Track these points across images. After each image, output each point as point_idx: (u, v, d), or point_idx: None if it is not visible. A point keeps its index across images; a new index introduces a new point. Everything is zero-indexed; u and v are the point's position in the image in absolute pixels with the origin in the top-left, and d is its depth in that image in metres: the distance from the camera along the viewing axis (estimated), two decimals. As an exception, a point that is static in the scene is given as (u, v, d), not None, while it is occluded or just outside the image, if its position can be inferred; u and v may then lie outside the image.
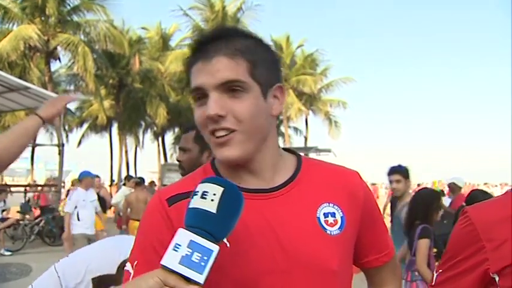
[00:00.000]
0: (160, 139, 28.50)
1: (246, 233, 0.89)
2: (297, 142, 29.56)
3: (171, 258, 0.71)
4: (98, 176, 11.61)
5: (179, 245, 0.72)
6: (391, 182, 4.25)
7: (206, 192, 0.76)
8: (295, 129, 31.82)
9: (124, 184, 10.78)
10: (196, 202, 0.76)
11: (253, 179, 0.96)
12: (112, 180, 24.81)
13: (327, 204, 0.96)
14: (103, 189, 10.84)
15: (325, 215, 0.95)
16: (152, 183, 13.49)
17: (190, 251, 0.71)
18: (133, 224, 7.26)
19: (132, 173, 24.51)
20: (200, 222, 0.74)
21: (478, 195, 3.96)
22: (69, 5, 18.33)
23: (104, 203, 9.75)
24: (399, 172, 4.18)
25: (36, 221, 11.18)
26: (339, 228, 0.95)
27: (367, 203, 1.02)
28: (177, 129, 28.90)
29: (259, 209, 0.92)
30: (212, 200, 0.75)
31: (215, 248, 0.73)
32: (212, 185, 0.77)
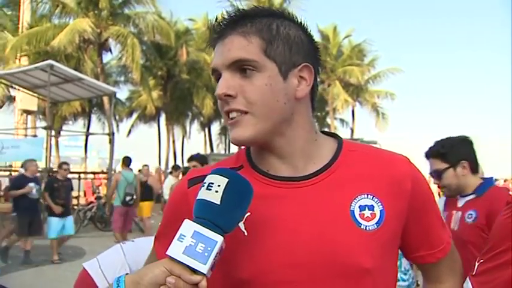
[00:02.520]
0: (206, 129, 28.99)
1: (267, 223, 0.85)
2: (343, 134, 29.07)
3: (175, 248, 0.73)
4: (146, 165, 12.01)
5: (184, 236, 0.74)
6: None
7: (212, 183, 0.77)
8: (342, 120, 31.35)
9: (170, 173, 11.06)
10: (202, 193, 0.77)
11: (282, 166, 0.90)
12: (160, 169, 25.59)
13: (365, 195, 0.88)
14: (151, 178, 11.19)
15: (361, 208, 0.87)
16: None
17: (194, 241, 0.73)
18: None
19: (179, 162, 25.13)
20: (205, 213, 0.76)
21: None
22: (121, -2, 18.94)
23: (151, 191, 10.10)
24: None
25: (89, 206, 11.74)
26: (376, 223, 0.86)
27: (417, 193, 0.92)
28: (223, 120, 29.15)
29: (285, 199, 0.87)
30: (216, 192, 0.76)
31: (219, 238, 0.74)
32: (217, 176, 0.78)
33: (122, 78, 24.69)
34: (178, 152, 28.32)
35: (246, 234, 0.86)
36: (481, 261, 1.15)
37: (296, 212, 0.86)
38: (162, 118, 26.75)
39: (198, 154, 5.89)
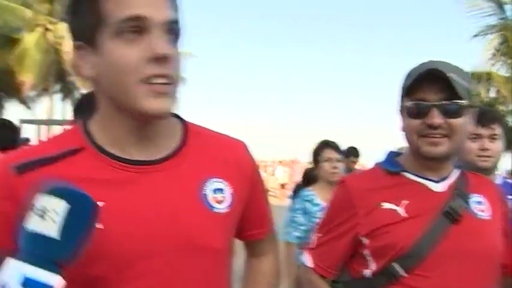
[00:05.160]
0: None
1: (121, 212, 0.80)
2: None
3: None
4: None
5: (7, 284, 0.59)
6: None
7: (45, 209, 0.63)
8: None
9: None
10: (33, 223, 0.62)
11: (135, 148, 0.85)
12: None
13: (216, 179, 0.90)
14: None
15: (214, 191, 0.89)
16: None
17: None
18: None
19: None
20: (39, 249, 0.62)
21: None
22: None
23: None
24: None
25: None
26: (228, 206, 0.90)
27: (255, 176, 0.99)
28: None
29: (139, 184, 0.83)
30: (54, 221, 0.62)
31: (56, 281, 0.62)
32: (52, 199, 0.63)
33: None
34: None
35: (101, 227, 0.75)
36: (319, 235, 1.29)
37: (150, 198, 0.82)
38: None
39: None
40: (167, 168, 0.86)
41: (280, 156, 21.54)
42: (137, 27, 0.76)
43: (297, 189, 5.12)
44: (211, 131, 0.98)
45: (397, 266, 1.14)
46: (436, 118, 1.13)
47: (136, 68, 0.77)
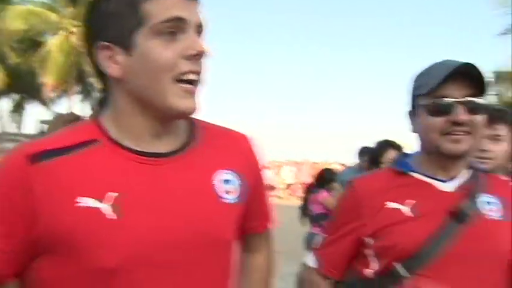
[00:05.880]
0: (-6, 105, 24.93)
1: (135, 204, 0.81)
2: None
3: None
4: None
5: None
6: None
7: None
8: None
9: None
10: None
11: (151, 142, 0.86)
12: None
13: (225, 170, 0.91)
14: None
15: (224, 181, 0.90)
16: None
17: None
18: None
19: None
20: None
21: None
22: None
23: None
24: None
25: None
26: (237, 197, 0.91)
27: (259, 168, 1.01)
28: (17, 96, 25.67)
29: (152, 176, 0.84)
30: None
31: None
32: None
33: None
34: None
35: (115, 217, 0.78)
36: (325, 236, 1.30)
37: (164, 190, 0.84)
38: None
39: None
40: (179, 161, 0.87)
41: (289, 157, 21.06)
42: (176, 27, 0.81)
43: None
44: (216, 125, 0.99)
45: (399, 267, 1.13)
46: (463, 115, 1.11)
47: (173, 64, 0.80)
